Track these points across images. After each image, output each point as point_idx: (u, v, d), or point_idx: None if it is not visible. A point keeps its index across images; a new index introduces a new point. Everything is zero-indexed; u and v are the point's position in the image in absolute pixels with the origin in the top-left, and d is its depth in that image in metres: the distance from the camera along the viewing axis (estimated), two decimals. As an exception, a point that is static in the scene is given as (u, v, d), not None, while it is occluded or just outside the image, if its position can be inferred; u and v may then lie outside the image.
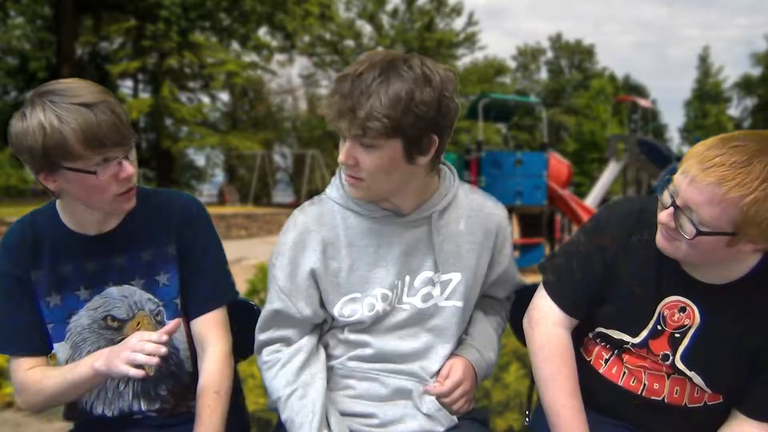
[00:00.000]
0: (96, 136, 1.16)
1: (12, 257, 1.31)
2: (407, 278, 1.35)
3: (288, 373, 1.32)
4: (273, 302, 1.36)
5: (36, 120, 1.15)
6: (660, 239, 1.22)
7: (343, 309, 1.35)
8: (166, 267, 1.35)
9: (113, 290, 1.33)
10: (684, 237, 1.14)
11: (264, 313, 1.38)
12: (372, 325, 1.35)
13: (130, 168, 1.24)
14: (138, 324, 1.33)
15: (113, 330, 1.34)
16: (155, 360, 1.17)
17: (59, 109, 1.15)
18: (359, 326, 1.36)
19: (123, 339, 1.29)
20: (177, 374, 1.38)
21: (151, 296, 1.34)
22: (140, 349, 1.17)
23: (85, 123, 1.15)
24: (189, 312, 1.37)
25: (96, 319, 1.33)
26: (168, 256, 1.36)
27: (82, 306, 1.32)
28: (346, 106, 1.19)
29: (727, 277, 1.24)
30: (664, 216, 1.18)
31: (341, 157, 1.26)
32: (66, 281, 1.32)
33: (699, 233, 1.12)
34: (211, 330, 1.36)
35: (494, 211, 1.45)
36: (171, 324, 1.22)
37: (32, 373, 1.30)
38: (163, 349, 1.17)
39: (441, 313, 1.38)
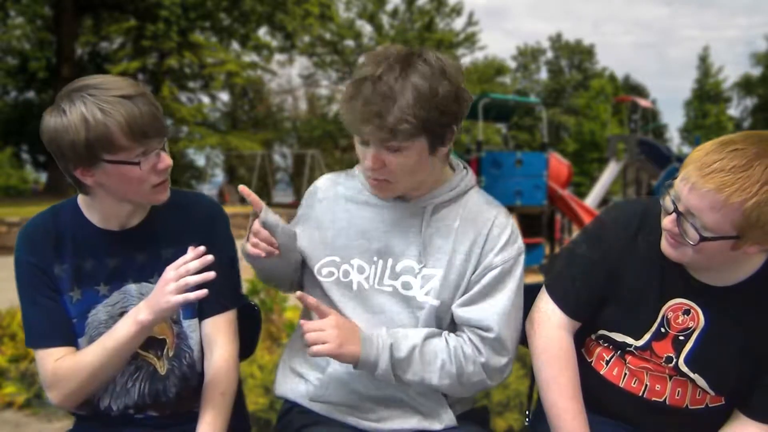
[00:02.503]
0: (140, 127, 1.17)
1: (36, 250, 1.30)
2: (390, 260, 1.35)
3: None
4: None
5: (78, 114, 1.15)
6: (665, 245, 1.22)
7: (322, 268, 1.38)
8: None
9: (132, 287, 1.33)
10: (689, 242, 1.14)
11: None
12: (356, 294, 1.35)
13: (168, 159, 1.26)
14: None
15: None
16: (212, 274, 1.18)
17: (102, 102, 1.15)
18: (343, 289, 1.36)
19: None
20: (188, 375, 1.37)
21: None
22: (185, 272, 1.18)
23: (129, 115, 1.16)
24: (201, 312, 1.37)
25: (113, 315, 1.32)
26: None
27: (101, 301, 1.32)
28: (371, 112, 1.17)
29: (732, 279, 1.24)
30: (667, 222, 1.18)
31: (368, 163, 1.25)
32: (87, 276, 1.31)
33: (703, 239, 1.12)
34: (221, 332, 1.36)
35: (489, 216, 1.36)
36: (199, 249, 1.21)
37: (63, 360, 1.27)
38: (210, 257, 1.19)
39: (421, 307, 1.33)
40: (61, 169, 1.23)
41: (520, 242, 1.37)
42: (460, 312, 1.32)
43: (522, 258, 1.36)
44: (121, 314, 1.31)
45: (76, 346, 1.31)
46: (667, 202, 1.18)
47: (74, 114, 1.15)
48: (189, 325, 1.36)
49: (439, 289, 1.32)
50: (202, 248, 1.21)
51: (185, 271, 1.18)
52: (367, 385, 1.35)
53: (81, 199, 1.33)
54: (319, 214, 1.42)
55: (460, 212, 1.37)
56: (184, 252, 1.32)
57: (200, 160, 33.10)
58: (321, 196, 1.45)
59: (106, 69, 25.30)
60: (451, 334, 1.34)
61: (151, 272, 1.33)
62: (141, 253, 1.33)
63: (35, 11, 24.48)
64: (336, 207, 1.41)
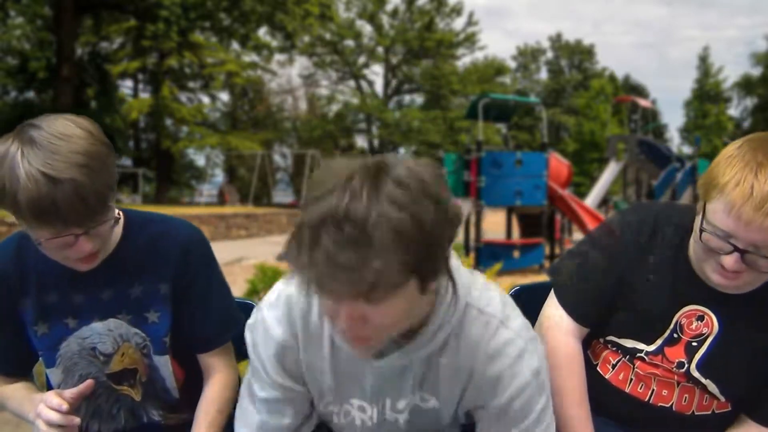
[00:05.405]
0: (47, 214, 1.05)
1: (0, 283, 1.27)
2: (388, 401, 1.18)
3: None
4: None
5: (6, 163, 1.05)
6: (722, 281, 1.19)
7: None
8: (157, 305, 1.29)
9: (98, 325, 1.28)
10: (762, 272, 1.13)
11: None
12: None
13: (85, 247, 1.13)
14: (123, 354, 1.29)
15: (101, 361, 1.30)
16: (65, 420, 1.14)
17: (24, 169, 1.03)
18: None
19: (111, 371, 1.29)
20: (165, 398, 1.36)
21: (138, 331, 1.29)
22: (43, 413, 1.15)
23: (39, 198, 1.03)
24: (196, 348, 1.35)
25: (84, 347, 1.28)
26: (159, 294, 1.29)
27: (72, 333, 1.28)
28: (338, 265, 0.83)
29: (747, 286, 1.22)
30: (731, 263, 1.14)
31: (343, 324, 0.94)
32: (52, 311, 1.27)
33: None
34: (220, 360, 1.35)
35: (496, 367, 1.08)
36: (82, 386, 1.18)
37: None
38: (65, 406, 1.14)
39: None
40: None
41: (537, 367, 1.08)
42: None
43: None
44: (92, 349, 1.28)
45: (18, 379, 1.32)
46: (717, 243, 1.15)
47: (5, 160, 1.05)
48: (159, 360, 1.32)
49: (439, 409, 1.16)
50: (85, 387, 1.19)
51: (44, 412, 1.14)
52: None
53: None
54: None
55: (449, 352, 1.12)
56: (154, 291, 1.29)
57: (200, 160, 33.22)
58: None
59: (106, 69, 25.36)
60: None
61: (118, 309, 1.27)
62: (106, 290, 1.27)
63: (35, 11, 24.50)
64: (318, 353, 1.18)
